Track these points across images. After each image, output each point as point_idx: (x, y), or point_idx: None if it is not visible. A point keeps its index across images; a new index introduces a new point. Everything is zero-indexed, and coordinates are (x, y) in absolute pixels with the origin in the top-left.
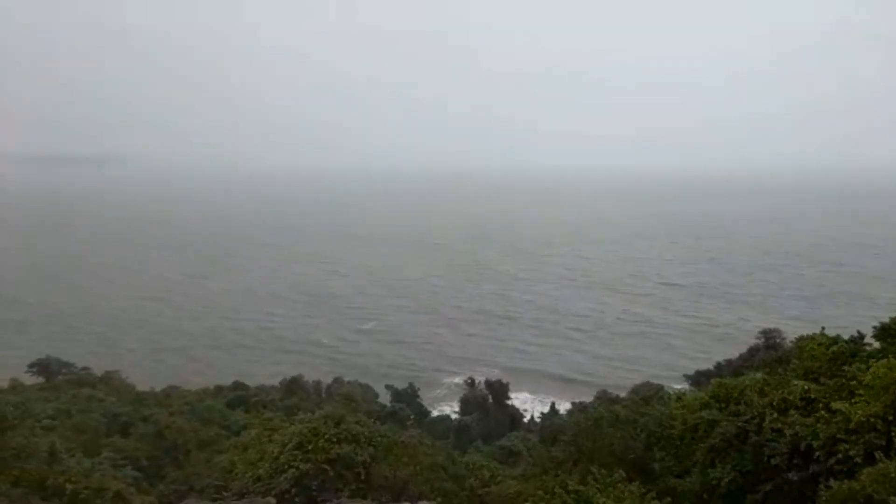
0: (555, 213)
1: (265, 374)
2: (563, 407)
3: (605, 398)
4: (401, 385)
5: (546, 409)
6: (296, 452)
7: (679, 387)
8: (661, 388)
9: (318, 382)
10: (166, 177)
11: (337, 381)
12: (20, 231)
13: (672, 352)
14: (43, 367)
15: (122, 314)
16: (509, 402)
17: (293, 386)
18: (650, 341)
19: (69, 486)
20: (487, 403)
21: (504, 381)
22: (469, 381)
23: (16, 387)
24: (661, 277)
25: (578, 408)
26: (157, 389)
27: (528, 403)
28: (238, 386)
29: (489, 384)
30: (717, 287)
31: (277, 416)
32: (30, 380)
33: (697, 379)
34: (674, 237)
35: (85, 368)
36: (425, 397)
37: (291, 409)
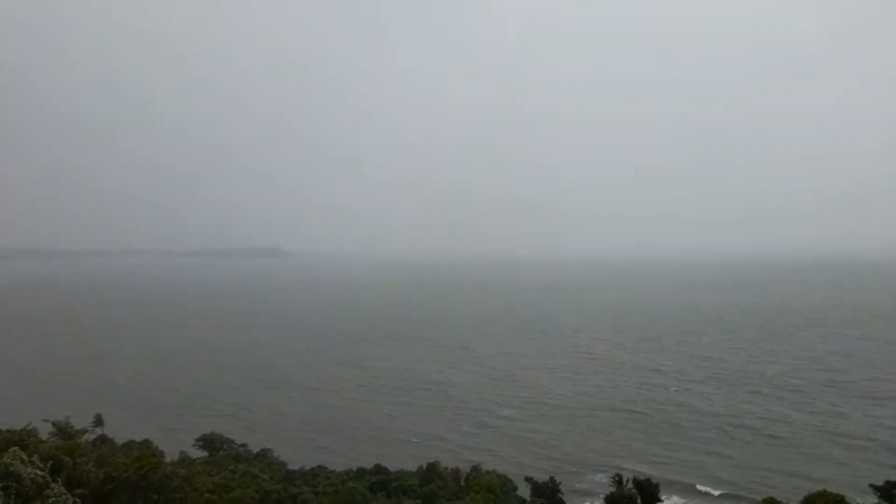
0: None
1: (404, 456)
2: None
3: None
4: (541, 478)
5: None
6: None
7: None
8: (841, 498)
9: (457, 470)
10: (323, 267)
11: (475, 469)
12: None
13: (841, 456)
14: (208, 442)
15: (253, 395)
16: None
17: (431, 473)
18: (814, 444)
19: None
20: None
21: (653, 480)
22: (616, 478)
23: (184, 460)
24: (824, 373)
25: None
26: (306, 468)
27: None
28: (379, 469)
29: (637, 483)
30: None
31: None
32: (196, 453)
33: (889, 491)
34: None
35: (243, 445)
36: (567, 491)
37: (430, 496)
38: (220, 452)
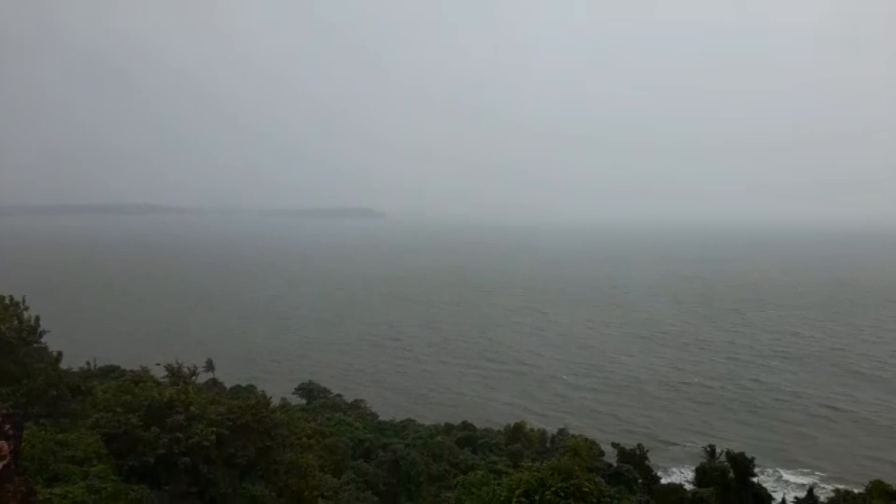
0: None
1: (488, 415)
2: (825, 494)
3: (882, 489)
4: (629, 444)
5: (801, 495)
6: (523, 500)
7: None
8: None
9: (543, 432)
10: (416, 228)
11: (562, 432)
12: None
13: None
14: (306, 390)
15: (358, 346)
16: (754, 480)
17: (517, 432)
18: None
19: (321, 502)
20: (728, 477)
21: (748, 455)
22: (709, 448)
23: (284, 406)
24: None
25: (847, 497)
26: (396, 421)
27: (779, 484)
28: (466, 426)
29: (731, 457)
30: None
31: (502, 461)
32: (294, 400)
33: None
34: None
35: (338, 395)
36: (655, 461)
37: (515, 455)
38: (317, 401)
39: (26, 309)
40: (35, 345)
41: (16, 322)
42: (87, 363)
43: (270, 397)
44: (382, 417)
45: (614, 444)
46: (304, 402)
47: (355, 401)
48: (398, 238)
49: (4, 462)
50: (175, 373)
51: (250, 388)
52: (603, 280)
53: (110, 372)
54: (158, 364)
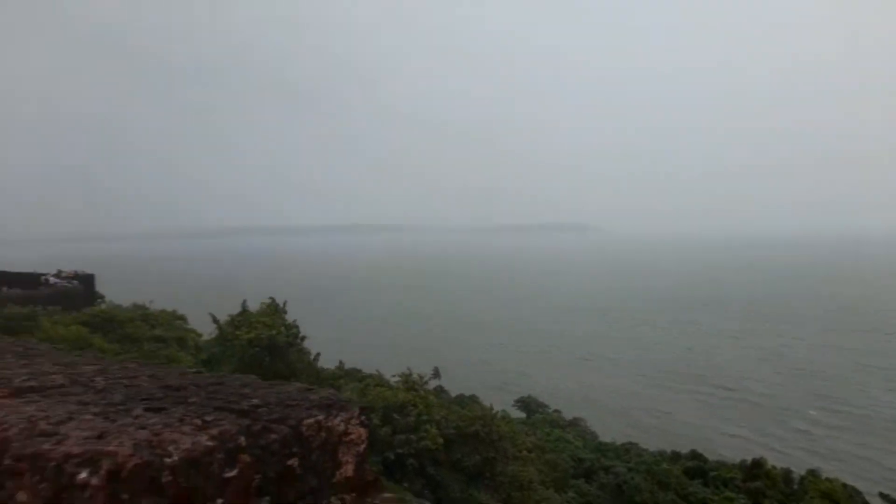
0: None
1: (717, 448)
2: None
3: None
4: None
5: None
6: None
7: None
8: None
9: (788, 471)
10: (634, 245)
11: (812, 473)
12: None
13: None
14: (525, 404)
15: (572, 363)
16: None
17: (756, 469)
18: None
19: None
20: None
21: None
22: None
23: (505, 417)
24: None
25: None
26: (617, 443)
27: None
28: (695, 456)
29: None
30: None
31: (740, 499)
32: (514, 413)
33: None
34: None
35: (557, 411)
36: None
37: (755, 493)
38: (536, 415)
39: (285, 313)
40: (297, 347)
41: (283, 327)
42: (339, 363)
43: (492, 408)
44: (603, 438)
45: (882, 495)
46: (523, 415)
47: (574, 418)
48: (619, 254)
49: (363, 447)
50: (407, 378)
51: (473, 398)
52: (857, 300)
53: (355, 373)
54: (394, 375)
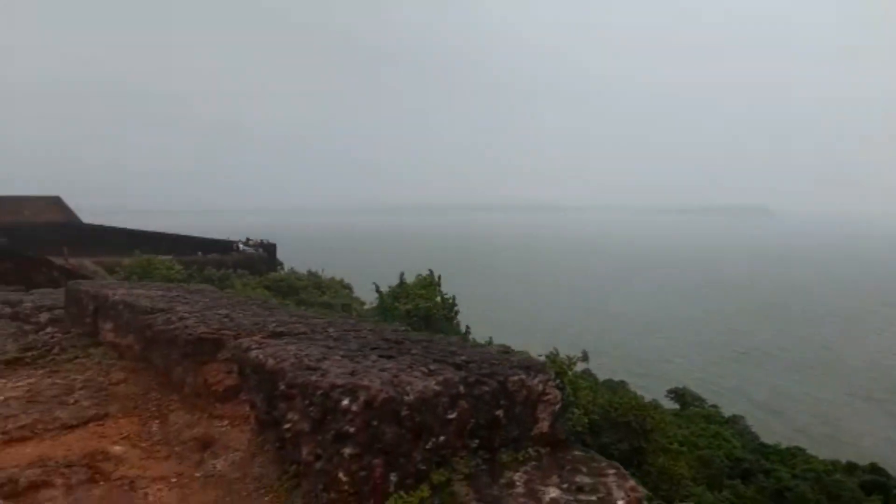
0: None
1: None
2: None
3: None
4: None
5: None
6: None
7: None
8: None
9: None
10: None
11: None
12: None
13: None
14: (679, 395)
15: (728, 356)
16: None
17: None
18: None
19: None
20: None
21: None
22: None
23: (656, 407)
24: None
25: None
26: (782, 446)
27: None
28: (875, 469)
29: None
30: None
31: None
32: (666, 404)
33: None
34: None
35: (714, 406)
36: None
37: None
38: (690, 408)
39: (439, 286)
40: (452, 321)
41: (438, 299)
42: (488, 340)
43: (643, 397)
44: (765, 440)
45: None
46: (676, 407)
47: (733, 416)
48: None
49: (558, 406)
50: (554, 359)
51: (622, 384)
52: None
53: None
54: (540, 355)
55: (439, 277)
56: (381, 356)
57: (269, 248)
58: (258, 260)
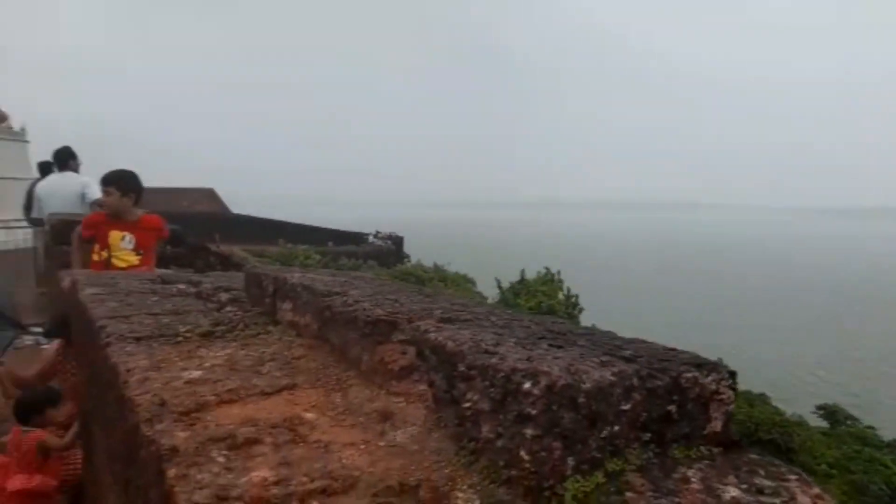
0: None
1: None
2: None
3: None
4: None
5: None
6: None
7: None
8: None
9: None
10: None
11: None
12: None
13: None
14: (829, 412)
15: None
16: None
17: None
18: None
19: None
20: None
21: None
22: None
23: (800, 423)
24: None
25: None
26: None
27: None
28: None
29: None
30: None
31: None
32: (813, 420)
33: None
34: None
35: (870, 427)
36: None
37: None
38: (841, 427)
39: (561, 282)
40: (575, 319)
41: (561, 296)
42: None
43: (784, 412)
44: None
45: None
46: (824, 424)
47: (894, 440)
48: None
49: (731, 407)
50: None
51: (762, 397)
52: None
53: None
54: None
55: (558, 272)
56: (550, 345)
57: (397, 241)
58: (387, 252)
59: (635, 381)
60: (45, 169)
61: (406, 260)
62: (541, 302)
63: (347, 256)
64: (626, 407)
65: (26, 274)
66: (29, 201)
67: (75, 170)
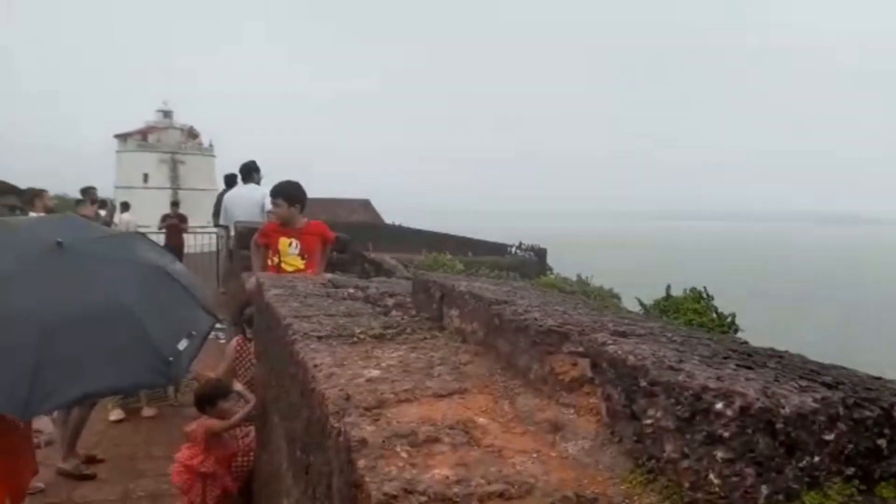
0: None
1: None
2: None
3: None
4: None
5: None
6: None
7: None
8: None
9: None
10: None
11: None
12: None
13: None
14: None
15: None
16: None
17: None
18: None
19: None
20: None
21: None
22: None
23: None
24: None
25: None
26: None
27: None
28: None
29: None
30: None
31: None
32: None
33: None
34: None
35: None
36: None
37: None
38: None
39: (712, 299)
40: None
41: (714, 315)
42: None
43: None
44: None
45: None
46: None
47: None
48: None
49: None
50: None
51: None
52: None
53: None
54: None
55: (705, 288)
56: (738, 365)
57: (540, 253)
58: (529, 264)
59: (841, 409)
60: (229, 180)
61: (548, 272)
62: (692, 321)
63: (489, 267)
64: (830, 437)
65: (209, 274)
66: (217, 209)
67: (258, 182)
